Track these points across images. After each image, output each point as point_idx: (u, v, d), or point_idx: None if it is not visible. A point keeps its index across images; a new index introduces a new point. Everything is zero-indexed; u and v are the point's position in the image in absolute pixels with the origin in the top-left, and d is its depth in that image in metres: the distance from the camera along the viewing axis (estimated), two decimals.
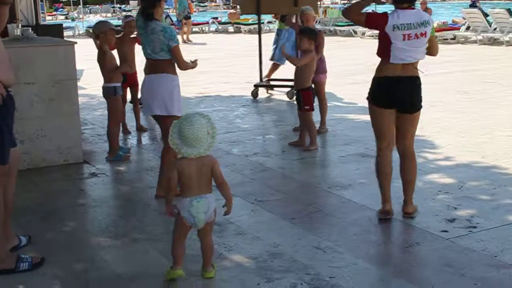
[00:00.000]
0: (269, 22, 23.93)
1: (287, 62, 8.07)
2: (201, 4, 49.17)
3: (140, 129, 7.92)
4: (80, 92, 6.81)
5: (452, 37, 19.54)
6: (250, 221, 4.70)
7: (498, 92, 10.10)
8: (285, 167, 6.24)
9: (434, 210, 4.81)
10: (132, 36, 7.63)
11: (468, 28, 19.53)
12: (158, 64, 5.07)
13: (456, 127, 7.67)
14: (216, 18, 29.90)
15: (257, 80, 10.77)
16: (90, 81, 11.38)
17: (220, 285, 3.70)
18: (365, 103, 4.71)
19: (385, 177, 4.64)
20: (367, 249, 4.14)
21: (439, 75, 11.72)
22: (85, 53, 10.76)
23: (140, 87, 5.70)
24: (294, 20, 8.43)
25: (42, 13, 17.72)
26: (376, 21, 4.46)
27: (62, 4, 45.58)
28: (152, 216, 4.89)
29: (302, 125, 6.97)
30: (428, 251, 4.11)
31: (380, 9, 4.88)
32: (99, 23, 6.93)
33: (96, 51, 6.63)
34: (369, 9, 4.69)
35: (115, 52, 7.14)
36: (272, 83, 10.84)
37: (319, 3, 17.56)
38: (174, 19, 23.18)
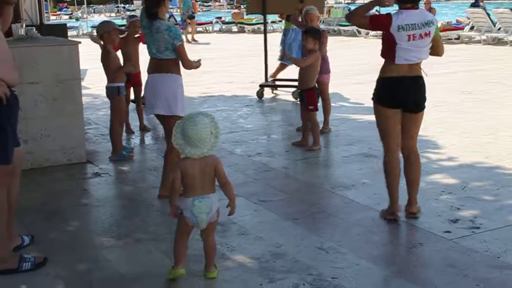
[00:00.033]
0: (273, 22, 23.94)
1: None
2: (205, 4, 49.22)
3: (143, 129, 7.94)
4: (83, 92, 6.82)
5: (456, 37, 19.51)
6: (253, 221, 4.70)
7: (502, 92, 10.08)
8: (288, 167, 6.24)
9: (437, 211, 4.80)
10: (136, 36, 7.63)
11: (472, 28, 19.49)
12: (162, 63, 5.08)
13: (459, 127, 7.66)
14: (220, 17, 29.91)
15: (261, 80, 10.77)
16: (94, 81, 11.41)
17: (223, 286, 3.70)
18: (369, 103, 4.71)
19: (393, 178, 4.64)
20: (370, 249, 4.14)
21: (443, 75, 11.71)
22: (89, 53, 10.78)
23: (143, 86, 5.71)
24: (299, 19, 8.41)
25: (46, 12, 17.78)
26: (380, 23, 4.45)
27: (66, 3, 45.68)
28: (155, 216, 4.90)
29: (305, 125, 6.97)
30: (431, 251, 4.10)
31: (383, 11, 4.89)
32: (103, 23, 6.94)
33: (100, 51, 6.64)
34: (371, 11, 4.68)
35: (119, 52, 7.16)
36: (277, 83, 10.83)
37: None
38: (178, 18, 23.20)
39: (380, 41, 4.60)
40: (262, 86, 10.29)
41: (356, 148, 6.77)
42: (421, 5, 9.99)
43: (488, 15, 18.89)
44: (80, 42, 6.53)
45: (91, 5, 45.46)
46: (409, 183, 4.69)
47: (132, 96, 7.93)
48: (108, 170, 6.21)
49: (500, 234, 4.33)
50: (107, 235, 4.49)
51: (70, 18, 39.06)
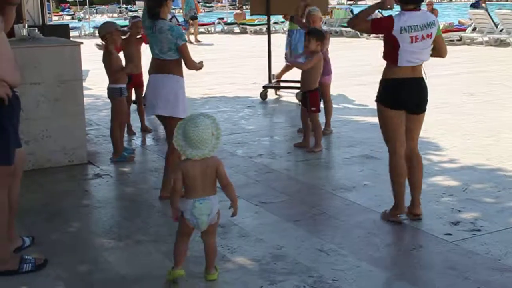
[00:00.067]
0: (275, 23, 23.92)
1: None
2: (207, 5, 49.22)
3: (144, 130, 7.94)
4: (85, 92, 6.82)
5: (458, 38, 19.49)
6: (253, 223, 4.70)
7: (504, 94, 10.07)
8: (289, 169, 6.25)
9: (438, 213, 4.80)
10: (138, 36, 7.64)
11: (474, 29, 19.47)
12: (165, 64, 5.07)
13: (461, 129, 7.65)
14: (222, 18, 29.94)
15: (263, 81, 10.74)
16: (96, 82, 11.41)
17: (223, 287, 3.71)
18: (370, 105, 4.72)
19: (401, 179, 4.63)
20: (371, 251, 4.14)
21: (445, 77, 11.70)
22: (91, 54, 10.75)
23: (145, 87, 5.71)
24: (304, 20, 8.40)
25: (49, 13, 17.76)
26: (382, 25, 4.45)
27: (68, 4, 45.69)
28: (156, 217, 4.90)
29: (305, 127, 6.97)
30: (431, 254, 4.10)
31: (385, 14, 4.91)
32: (105, 24, 6.94)
33: (102, 52, 6.64)
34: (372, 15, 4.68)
35: (121, 53, 7.16)
36: (282, 84, 10.79)
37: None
38: (180, 19, 23.19)
39: (382, 42, 4.60)
40: (265, 88, 10.27)
41: (358, 150, 6.76)
42: (423, 6, 9.99)
43: (490, 16, 18.87)
44: (82, 43, 6.54)
45: (93, 6, 45.54)
46: (412, 184, 4.69)
47: (133, 97, 7.93)
48: (109, 171, 6.22)
49: (501, 237, 4.32)
50: (108, 237, 4.49)
51: (73, 18, 39.11)
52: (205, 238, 3.69)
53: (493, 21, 18.66)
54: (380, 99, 4.57)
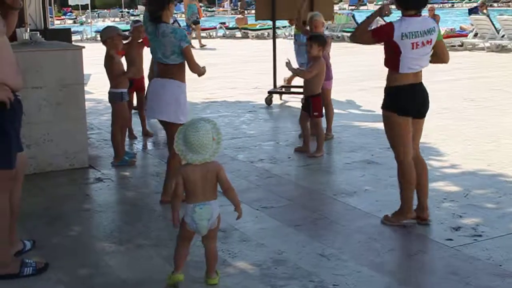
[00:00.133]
0: (277, 28, 23.90)
1: None
2: (209, 9, 49.26)
3: (146, 134, 7.94)
4: (86, 96, 6.83)
5: (460, 44, 19.49)
6: (254, 227, 4.70)
7: (505, 100, 10.07)
8: (290, 174, 6.25)
9: (439, 218, 4.79)
10: (139, 41, 7.65)
11: (476, 35, 19.48)
12: (168, 68, 5.06)
13: (462, 135, 7.65)
14: (224, 23, 29.92)
15: (268, 86, 10.70)
16: (97, 86, 11.42)
17: None
18: (371, 110, 4.73)
19: (411, 185, 4.63)
20: (372, 256, 4.14)
21: (446, 82, 11.71)
22: (93, 58, 10.80)
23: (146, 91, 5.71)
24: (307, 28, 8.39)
25: (51, 17, 17.83)
26: (383, 32, 4.46)
27: (70, 8, 45.74)
28: (157, 221, 4.90)
29: (305, 131, 6.98)
30: (433, 259, 4.10)
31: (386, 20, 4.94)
32: (106, 28, 6.95)
33: (103, 56, 6.65)
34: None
35: (123, 58, 7.17)
36: (287, 89, 10.77)
37: None
38: (183, 24, 23.20)
39: (383, 46, 4.60)
40: (270, 93, 10.25)
41: (359, 155, 6.76)
42: (425, 11, 9.98)
43: (492, 22, 18.88)
44: (84, 47, 6.55)
45: (95, 10, 45.57)
46: (419, 188, 4.68)
47: (135, 102, 7.94)
48: (110, 175, 6.22)
49: (502, 242, 4.32)
50: (109, 241, 4.49)
51: (74, 22, 39.14)
52: (206, 243, 3.69)
53: (494, 27, 18.66)
54: (386, 106, 4.57)
